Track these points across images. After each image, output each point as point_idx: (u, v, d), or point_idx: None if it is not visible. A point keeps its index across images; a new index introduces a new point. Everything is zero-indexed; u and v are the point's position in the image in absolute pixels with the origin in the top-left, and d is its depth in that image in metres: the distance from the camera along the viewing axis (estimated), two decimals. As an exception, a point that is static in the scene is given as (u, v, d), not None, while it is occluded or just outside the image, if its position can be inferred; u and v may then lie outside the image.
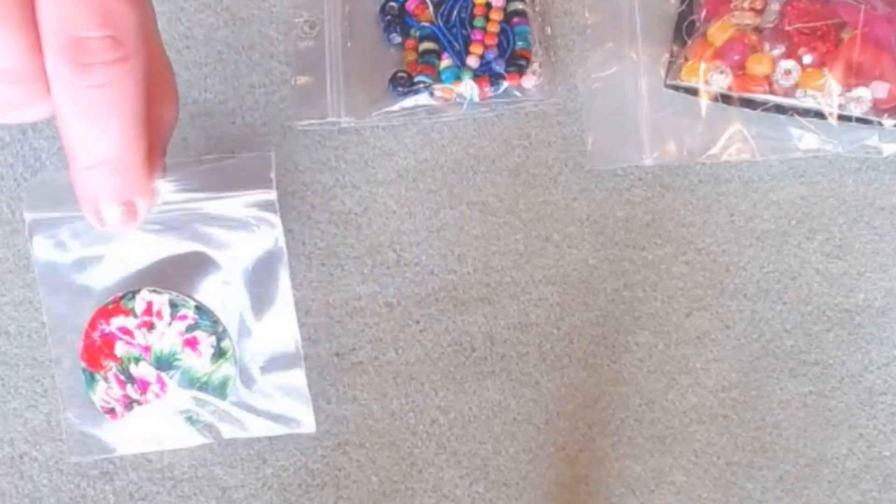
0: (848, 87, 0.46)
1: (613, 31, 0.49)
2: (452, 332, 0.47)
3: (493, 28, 0.49)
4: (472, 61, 0.49)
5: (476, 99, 0.49)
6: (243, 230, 0.44)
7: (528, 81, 0.49)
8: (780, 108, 0.47)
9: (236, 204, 0.43)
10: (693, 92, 0.48)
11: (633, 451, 0.46)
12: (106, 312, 0.44)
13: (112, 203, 0.36)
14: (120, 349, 0.43)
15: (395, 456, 0.46)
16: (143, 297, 0.43)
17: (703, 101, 0.47)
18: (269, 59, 0.50)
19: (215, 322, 0.44)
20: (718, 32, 0.47)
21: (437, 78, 0.48)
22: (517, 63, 0.49)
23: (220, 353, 0.43)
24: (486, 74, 0.48)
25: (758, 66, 0.47)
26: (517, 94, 0.49)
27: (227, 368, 0.43)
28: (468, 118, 0.49)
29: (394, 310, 0.47)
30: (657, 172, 0.49)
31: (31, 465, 0.46)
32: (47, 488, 0.46)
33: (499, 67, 0.49)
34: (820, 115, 0.46)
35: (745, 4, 0.47)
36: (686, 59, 0.48)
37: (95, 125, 0.34)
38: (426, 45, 0.49)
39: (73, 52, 0.32)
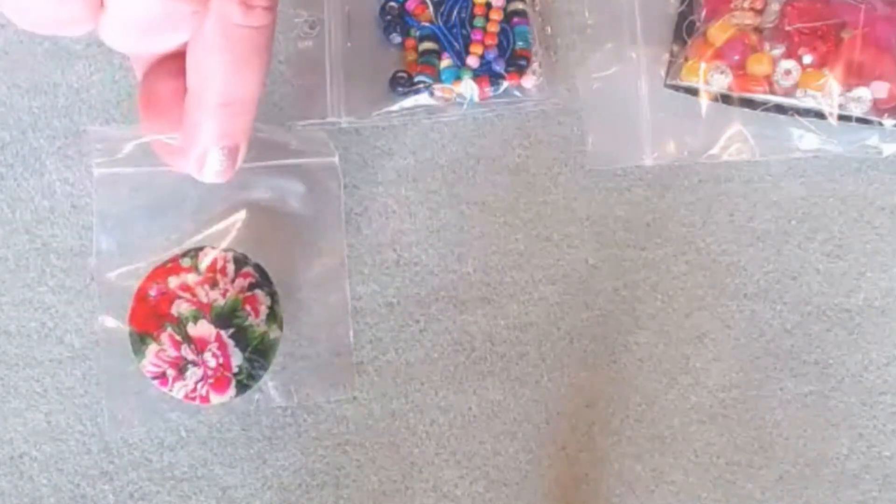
0: (848, 87, 0.46)
1: (613, 31, 0.49)
2: (452, 332, 0.47)
3: (493, 28, 0.49)
4: (473, 61, 0.49)
5: (476, 99, 0.49)
6: (307, 193, 0.44)
7: (528, 81, 0.49)
8: (780, 108, 0.47)
9: (301, 168, 0.44)
10: (693, 92, 0.48)
11: (633, 450, 0.46)
12: (163, 272, 0.43)
13: (224, 146, 0.37)
14: (179, 307, 0.42)
15: (394, 456, 0.46)
16: (207, 253, 0.43)
17: (704, 101, 0.47)
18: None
19: (271, 283, 0.44)
20: (719, 32, 0.47)
21: (438, 78, 0.48)
22: (517, 63, 0.49)
23: (273, 316, 0.43)
24: (486, 74, 0.48)
25: (758, 66, 0.47)
26: (517, 94, 0.49)
27: (276, 332, 0.43)
28: (468, 118, 0.49)
29: (394, 310, 0.47)
30: (657, 172, 0.49)
31: (30, 464, 0.46)
32: (47, 488, 0.46)
33: (499, 67, 0.49)
34: (820, 115, 0.46)
35: (746, 4, 0.47)
36: (686, 59, 0.48)
37: (242, 63, 0.36)
38: (426, 45, 0.49)
39: None
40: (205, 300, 0.42)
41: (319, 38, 0.50)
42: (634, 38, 0.49)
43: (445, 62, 0.49)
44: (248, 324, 0.43)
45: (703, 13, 0.48)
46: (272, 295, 0.44)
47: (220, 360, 0.42)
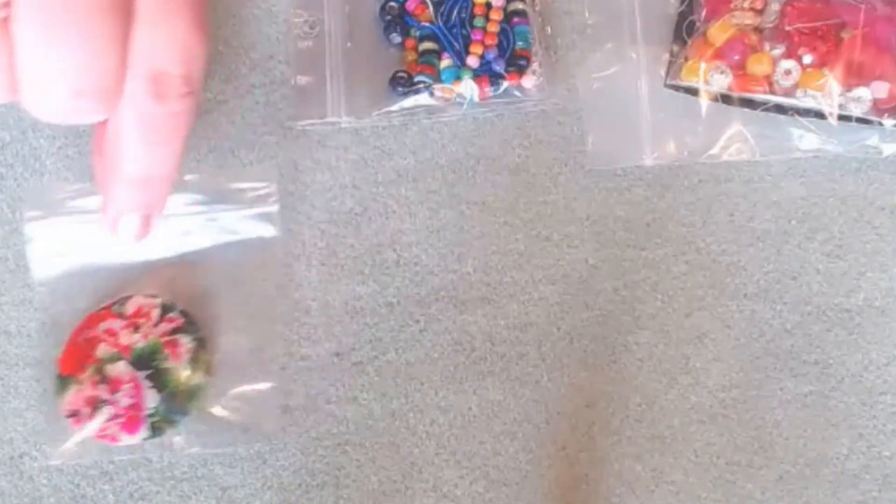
0: (848, 87, 0.46)
1: (613, 31, 0.49)
2: (452, 332, 0.47)
3: (493, 28, 0.49)
4: (473, 61, 0.49)
5: (476, 99, 0.49)
6: (242, 241, 0.45)
7: (528, 81, 0.49)
8: (780, 109, 0.47)
9: (237, 216, 0.45)
10: (693, 92, 0.48)
11: (633, 450, 0.46)
12: (95, 318, 0.45)
13: (137, 214, 0.39)
14: (100, 350, 0.44)
15: (394, 456, 0.46)
16: (135, 301, 0.45)
17: (704, 102, 0.47)
18: (269, 59, 0.50)
19: (198, 329, 0.45)
20: (719, 32, 0.47)
21: (438, 78, 0.48)
22: (517, 63, 0.49)
23: (197, 361, 0.44)
24: (486, 74, 0.48)
25: (758, 66, 0.47)
26: (517, 94, 0.49)
27: (200, 377, 0.44)
28: (468, 118, 0.49)
29: (394, 310, 0.47)
30: (657, 172, 0.49)
31: (30, 464, 0.46)
32: (47, 488, 0.46)
33: (499, 67, 0.49)
34: (820, 115, 0.46)
35: (746, 4, 0.47)
36: (686, 59, 0.48)
37: (157, 145, 0.38)
38: (426, 44, 0.49)
39: (156, 83, 0.36)
40: (125, 342, 0.44)
41: (319, 38, 0.50)
42: (634, 38, 0.49)
43: (445, 62, 0.49)
44: (167, 367, 0.44)
45: (703, 13, 0.48)
46: (198, 340, 0.45)
47: (133, 401, 0.43)
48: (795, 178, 0.48)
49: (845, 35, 0.46)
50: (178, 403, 0.44)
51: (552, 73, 0.49)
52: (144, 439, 0.44)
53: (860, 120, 0.46)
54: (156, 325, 0.44)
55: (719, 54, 0.47)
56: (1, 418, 0.46)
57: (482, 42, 0.49)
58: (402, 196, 0.48)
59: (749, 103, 0.47)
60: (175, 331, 0.44)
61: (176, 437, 0.45)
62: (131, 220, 0.40)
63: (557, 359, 0.46)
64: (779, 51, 0.47)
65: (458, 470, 0.46)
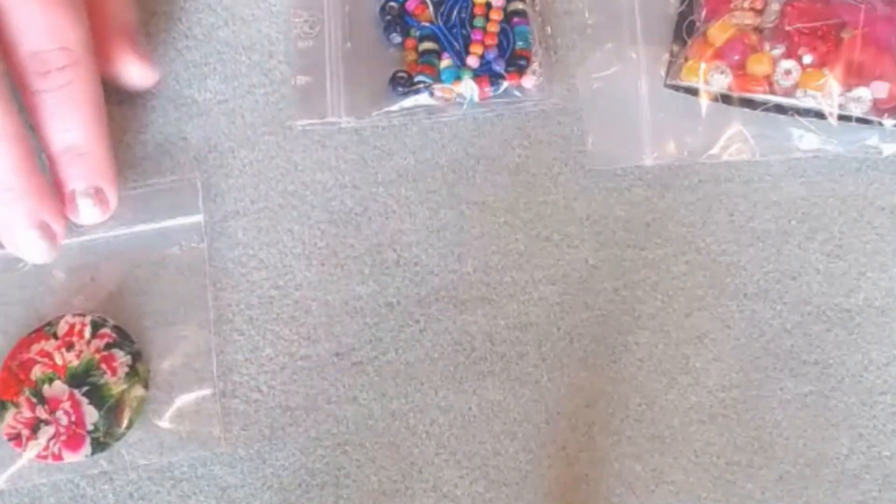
0: (848, 87, 0.46)
1: (613, 31, 0.49)
2: (452, 332, 0.47)
3: (493, 28, 0.49)
4: (473, 61, 0.49)
5: (476, 99, 0.49)
6: (170, 255, 0.46)
7: (528, 81, 0.49)
8: (780, 109, 0.47)
9: (164, 229, 0.46)
10: (693, 92, 0.48)
11: (634, 450, 0.46)
12: (27, 342, 0.45)
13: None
14: (35, 372, 0.44)
15: (395, 456, 0.46)
16: (66, 320, 0.45)
17: (704, 102, 0.47)
18: (269, 59, 0.50)
19: (132, 343, 0.45)
20: (719, 32, 0.47)
21: (438, 78, 0.48)
22: (517, 63, 0.49)
23: (134, 374, 0.44)
24: (486, 74, 0.48)
25: (758, 66, 0.47)
26: (517, 94, 0.49)
27: (138, 390, 0.44)
28: (468, 118, 0.49)
29: (394, 310, 0.47)
30: (657, 172, 0.49)
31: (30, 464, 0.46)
32: (46, 487, 0.46)
33: (499, 67, 0.49)
34: (820, 115, 0.46)
35: (746, 4, 0.47)
36: (686, 59, 0.48)
37: (65, 118, 0.41)
38: (426, 44, 0.49)
39: (33, 62, 0.40)
40: (60, 362, 0.44)
41: (319, 38, 0.50)
42: (634, 38, 0.49)
43: (445, 62, 0.49)
44: (104, 382, 0.44)
45: (703, 13, 0.48)
46: (133, 354, 0.45)
47: (73, 418, 0.43)
48: (795, 178, 0.48)
49: (845, 35, 0.46)
50: (118, 418, 0.44)
51: (552, 73, 0.49)
52: (88, 455, 0.44)
53: (860, 120, 0.46)
54: (89, 342, 0.44)
55: (719, 54, 0.47)
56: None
57: (482, 42, 0.49)
58: (402, 196, 0.48)
59: (749, 103, 0.47)
60: (109, 346, 0.44)
61: (121, 452, 0.44)
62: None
63: (557, 359, 0.46)
64: (779, 51, 0.47)
65: (458, 470, 0.46)
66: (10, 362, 0.44)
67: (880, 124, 0.46)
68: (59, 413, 0.44)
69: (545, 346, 0.47)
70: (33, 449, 0.43)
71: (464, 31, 0.49)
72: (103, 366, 0.44)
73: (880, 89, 0.46)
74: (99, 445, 0.44)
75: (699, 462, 0.46)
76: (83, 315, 0.45)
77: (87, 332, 0.45)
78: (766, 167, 0.48)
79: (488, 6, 0.50)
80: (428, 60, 0.49)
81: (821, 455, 0.46)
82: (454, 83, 0.48)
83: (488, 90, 0.48)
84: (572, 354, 0.47)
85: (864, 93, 0.46)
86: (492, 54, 0.49)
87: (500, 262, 0.48)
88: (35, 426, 0.44)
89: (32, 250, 0.44)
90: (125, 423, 0.44)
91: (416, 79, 0.48)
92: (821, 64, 0.46)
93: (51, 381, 0.44)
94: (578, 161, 0.49)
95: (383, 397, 0.46)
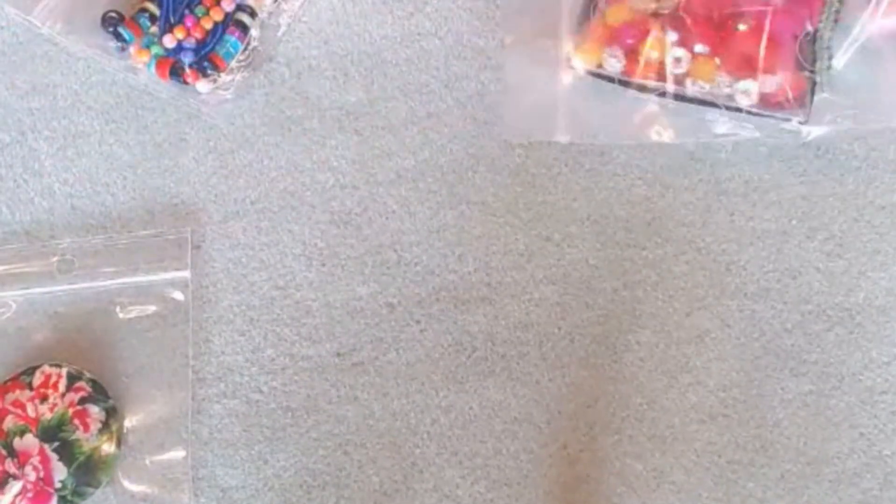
0: (737, 79, 0.45)
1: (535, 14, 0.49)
2: (453, 332, 0.47)
3: (207, 24, 0.49)
4: (168, 41, 0.49)
5: (154, 73, 0.48)
6: (154, 310, 0.45)
7: (203, 86, 0.48)
8: (676, 96, 0.46)
9: (150, 283, 0.46)
10: (594, 75, 0.47)
11: (634, 450, 0.46)
12: (2, 390, 0.44)
13: None
14: (7, 423, 0.43)
15: (395, 456, 0.46)
16: (43, 370, 0.44)
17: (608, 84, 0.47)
18: (268, 61, 0.50)
19: (108, 398, 0.44)
20: (616, 16, 0.47)
21: (140, 38, 0.48)
22: (205, 65, 0.48)
23: (107, 430, 0.44)
24: (172, 58, 0.48)
25: (651, 52, 0.46)
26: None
27: (110, 447, 0.44)
28: (470, 117, 0.49)
29: (394, 310, 0.47)
30: (657, 172, 0.49)
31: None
32: (47, 490, 0.45)
33: (186, 59, 0.48)
34: (709, 104, 0.46)
35: None
36: (584, 42, 0.47)
37: None
38: (149, 4, 0.49)
39: None
40: (32, 415, 0.43)
41: None
42: (555, 22, 0.48)
43: (153, 29, 0.49)
44: (76, 438, 0.43)
45: None
46: (108, 410, 0.44)
47: (41, 474, 0.43)
48: (796, 178, 0.48)
49: (742, 27, 0.46)
50: (88, 475, 0.43)
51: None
52: None
53: (759, 113, 0.46)
54: (63, 395, 0.44)
55: (614, 37, 0.46)
56: (1, 420, 0.46)
57: (188, 30, 0.49)
58: (402, 196, 0.48)
59: (644, 89, 0.47)
60: (83, 400, 0.44)
61: None
62: None
63: (558, 358, 0.46)
64: (673, 38, 0.46)
65: (459, 470, 0.46)
66: None
67: (772, 117, 0.46)
68: (28, 468, 0.43)
69: (546, 346, 0.47)
70: None
71: (186, 12, 0.49)
72: (76, 421, 0.43)
73: (769, 83, 0.45)
74: (66, 503, 0.43)
75: (700, 461, 0.46)
76: (59, 366, 0.44)
77: (63, 385, 0.44)
78: (766, 167, 0.49)
79: (217, 2, 0.49)
80: (139, 20, 0.49)
81: (821, 454, 0.46)
82: (141, 51, 0.48)
83: (166, 74, 0.48)
84: (573, 354, 0.47)
85: (751, 86, 0.45)
86: (190, 45, 0.48)
87: (501, 262, 0.48)
88: (3, 481, 0.43)
89: None
90: (94, 482, 0.43)
91: (119, 29, 0.48)
92: (713, 54, 0.46)
93: (22, 433, 0.43)
94: (579, 161, 0.49)
95: (384, 397, 0.46)
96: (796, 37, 0.46)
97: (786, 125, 0.46)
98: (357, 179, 0.49)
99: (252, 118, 0.49)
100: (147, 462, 0.44)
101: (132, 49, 0.49)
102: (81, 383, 0.44)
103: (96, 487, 0.43)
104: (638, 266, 0.48)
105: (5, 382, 0.44)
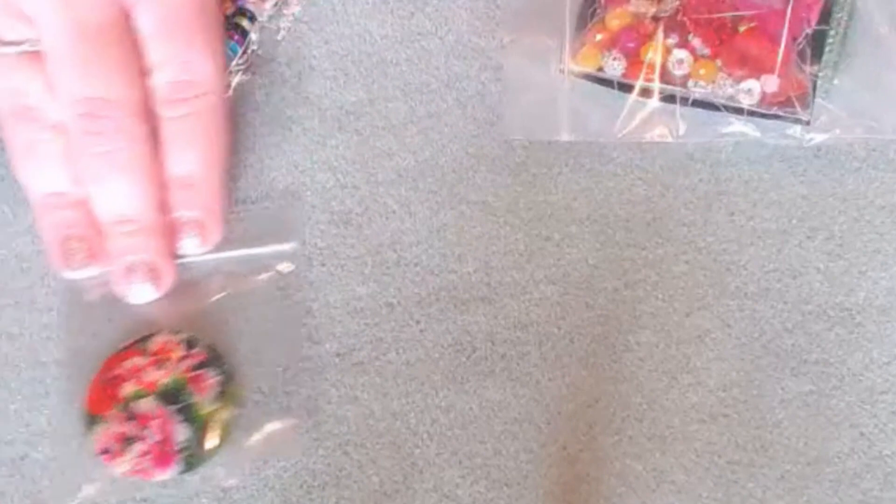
0: (739, 80, 0.46)
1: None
2: (453, 332, 0.47)
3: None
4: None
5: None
6: (266, 279, 0.46)
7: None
8: (674, 99, 0.47)
9: (261, 254, 0.47)
10: (592, 78, 0.47)
11: (634, 450, 0.46)
12: (118, 357, 0.45)
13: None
14: (126, 389, 0.44)
15: (395, 456, 0.46)
16: (159, 337, 0.45)
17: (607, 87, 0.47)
18: (270, 61, 0.50)
19: (223, 364, 0.45)
20: (615, 20, 0.47)
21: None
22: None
23: (223, 395, 0.44)
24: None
25: (652, 55, 0.46)
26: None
27: (228, 411, 0.44)
28: (470, 117, 0.49)
29: (394, 310, 0.47)
30: (657, 172, 0.49)
31: (32, 466, 0.46)
32: (49, 490, 0.46)
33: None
34: (712, 106, 0.46)
35: None
36: (583, 45, 0.47)
37: (191, 147, 0.45)
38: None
39: (165, 90, 0.44)
40: (150, 380, 0.44)
41: None
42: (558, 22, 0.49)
43: None
44: (194, 401, 0.44)
45: (603, 1, 0.48)
46: (224, 375, 0.45)
47: (163, 436, 0.44)
48: (796, 178, 0.48)
49: (741, 28, 0.46)
50: (207, 437, 0.44)
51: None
52: (178, 474, 0.44)
53: (764, 114, 0.46)
54: (180, 360, 0.45)
55: (614, 41, 0.47)
56: (2, 420, 0.46)
57: None
58: (402, 196, 0.48)
59: (644, 92, 0.47)
60: (200, 365, 0.45)
61: (208, 471, 0.44)
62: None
63: (558, 358, 0.46)
64: (673, 40, 0.46)
65: (459, 470, 0.46)
66: (101, 377, 0.45)
67: (776, 117, 0.46)
68: (150, 431, 0.44)
69: (546, 346, 0.47)
70: (123, 465, 0.44)
71: None
72: (193, 385, 0.44)
73: (770, 83, 0.46)
74: (188, 464, 0.44)
75: (700, 461, 0.46)
76: (176, 333, 0.45)
77: (180, 351, 0.45)
78: (766, 166, 0.48)
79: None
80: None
81: (822, 454, 0.46)
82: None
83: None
84: (573, 354, 0.47)
85: (754, 85, 0.46)
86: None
87: (501, 262, 0.48)
88: (125, 442, 0.44)
89: (139, 290, 0.45)
90: (214, 443, 0.44)
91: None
92: (714, 55, 0.46)
93: (141, 397, 0.44)
94: (579, 161, 0.49)
95: (384, 397, 0.46)
96: (795, 38, 0.46)
97: (789, 125, 0.47)
98: (357, 179, 0.49)
99: (252, 118, 0.49)
100: (264, 425, 0.45)
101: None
102: (197, 349, 0.45)
103: (216, 448, 0.44)
104: (638, 266, 0.48)
105: (122, 350, 0.45)
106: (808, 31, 0.46)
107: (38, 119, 0.45)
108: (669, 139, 0.47)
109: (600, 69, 0.47)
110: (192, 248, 0.46)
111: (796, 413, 0.46)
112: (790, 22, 0.46)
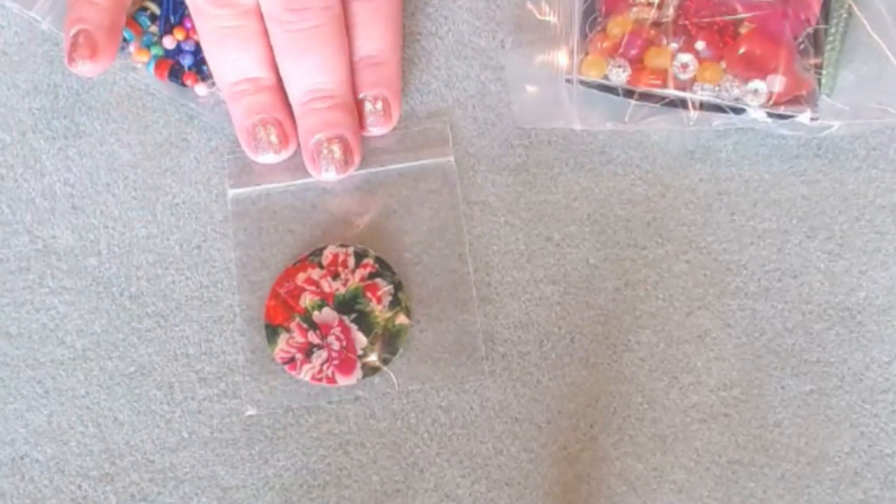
0: (744, 81, 0.46)
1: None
2: (453, 332, 0.47)
3: None
4: (168, 42, 0.49)
5: (152, 73, 0.49)
6: (426, 191, 0.48)
7: (202, 89, 0.49)
8: (681, 103, 0.47)
9: (419, 167, 0.48)
10: (594, 86, 0.47)
11: (635, 449, 0.46)
12: (292, 271, 0.46)
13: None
14: (305, 300, 0.46)
15: (396, 455, 0.46)
16: (330, 250, 0.47)
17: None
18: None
19: (393, 273, 0.46)
20: (617, 27, 0.47)
21: (140, 37, 0.48)
22: (204, 67, 0.48)
23: (396, 303, 0.46)
24: (172, 60, 0.48)
25: (656, 60, 0.46)
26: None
27: (402, 318, 0.46)
28: (470, 117, 0.49)
29: (395, 310, 0.47)
30: (657, 172, 0.49)
31: (32, 466, 0.46)
32: (48, 489, 0.46)
33: (185, 62, 0.49)
34: (718, 108, 0.46)
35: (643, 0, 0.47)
36: (587, 54, 0.47)
37: (363, 28, 0.47)
38: (149, 3, 0.49)
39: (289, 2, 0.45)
40: (327, 290, 0.46)
41: None
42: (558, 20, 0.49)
43: (153, 28, 0.49)
44: (370, 309, 0.46)
45: (602, 9, 0.48)
46: (395, 283, 0.46)
47: (344, 344, 0.45)
48: (796, 177, 0.48)
49: (743, 30, 0.46)
50: (385, 344, 0.45)
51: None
52: (359, 379, 0.45)
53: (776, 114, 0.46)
54: (353, 271, 0.46)
55: (618, 48, 0.47)
56: (2, 419, 0.46)
57: (188, 31, 0.49)
58: (403, 196, 0.48)
59: (649, 97, 0.47)
60: (372, 275, 0.46)
61: (390, 378, 0.46)
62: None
63: (558, 358, 0.46)
64: (677, 45, 0.46)
65: (459, 469, 0.46)
66: (278, 289, 0.46)
67: (781, 117, 0.46)
68: (331, 338, 0.45)
69: (546, 346, 0.47)
70: (308, 372, 0.45)
71: (186, 13, 0.48)
72: (368, 294, 0.46)
73: (776, 82, 0.46)
74: (369, 370, 0.45)
75: (701, 461, 0.46)
76: (346, 246, 0.47)
77: (352, 262, 0.46)
78: (766, 166, 0.48)
79: None
80: (139, 18, 0.49)
81: (822, 453, 0.46)
82: (140, 51, 0.48)
83: (165, 76, 0.48)
84: (573, 354, 0.47)
85: (760, 86, 0.46)
86: (189, 47, 0.49)
87: (501, 262, 0.48)
88: (308, 351, 0.45)
89: (333, 166, 0.47)
90: (392, 350, 0.46)
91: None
92: (718, 58, 0.46)
93: (320, 307, 0.46)
94: (579, 161, 0.49)
95: (384, 397, 0.46)
96: (796, 36, 0.46)
97: (792, 124, 0.47)
98: (358, 179, 0.49)
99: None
100: (438, 329, 0.46)
101: (132, 48, 0.49)
102: (368, 260, 0.46)
103: (394, 354, 0.46)
104: (638, 266, 0.48)
105: (295, 264, 0.47)
106: (809, 29, 0.46)
107: (234, 4, 0.45)
108: (681, 127, 0.47)
109: (605, 77, 0.47)
110: (377, 126, 0.48)
111: (797, 412, 0.46)
112: (790, 21, 0.46)
